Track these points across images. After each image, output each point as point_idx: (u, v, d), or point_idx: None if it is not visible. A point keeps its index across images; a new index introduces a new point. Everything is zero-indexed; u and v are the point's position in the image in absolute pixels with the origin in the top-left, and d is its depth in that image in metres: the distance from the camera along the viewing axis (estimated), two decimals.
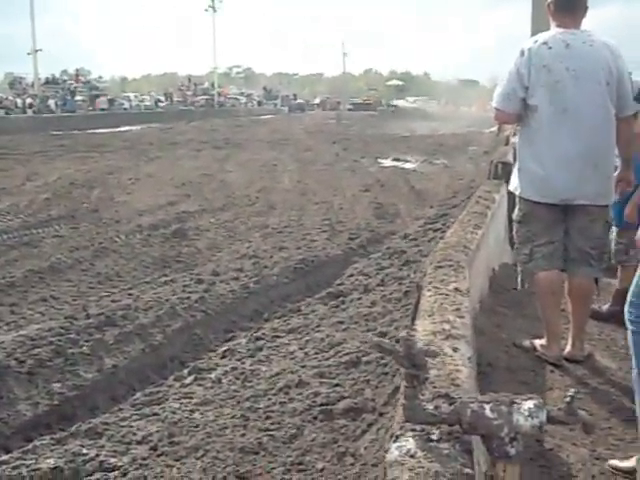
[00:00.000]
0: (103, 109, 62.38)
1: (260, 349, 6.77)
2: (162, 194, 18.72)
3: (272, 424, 4.73)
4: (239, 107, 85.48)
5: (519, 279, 6.06)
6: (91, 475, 4.52)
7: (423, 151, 31.59)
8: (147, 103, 75.88)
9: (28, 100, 57.48)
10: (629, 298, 3.84)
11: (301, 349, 6.36)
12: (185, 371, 6.73)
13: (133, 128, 48.85)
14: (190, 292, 9.49)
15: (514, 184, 5.98)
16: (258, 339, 7.15)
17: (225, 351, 7.11)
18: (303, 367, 5.73)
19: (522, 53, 5.58)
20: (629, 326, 3.82)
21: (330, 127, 53.03)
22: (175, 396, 5.87)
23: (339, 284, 8.75)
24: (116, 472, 4.47)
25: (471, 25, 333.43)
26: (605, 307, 6.86)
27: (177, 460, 4.43)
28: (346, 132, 45.73)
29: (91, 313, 8.41)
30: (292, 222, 15.05)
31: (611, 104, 5.45)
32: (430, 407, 2.40)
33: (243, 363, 6.39)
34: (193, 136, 39.86)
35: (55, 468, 4.68)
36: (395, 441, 2.40)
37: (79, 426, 5.47)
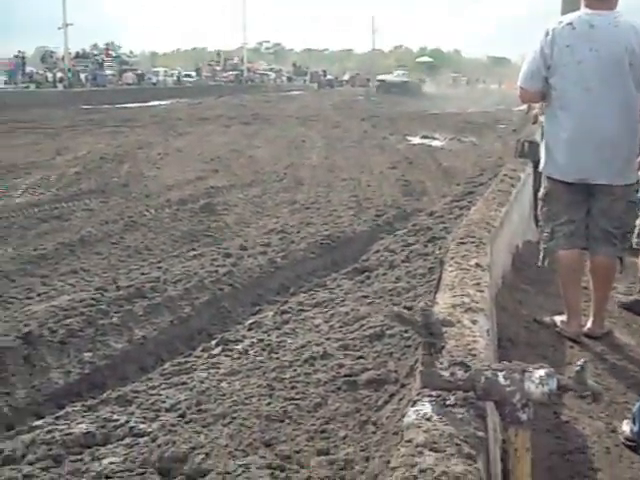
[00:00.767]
0: (129, 84, 62.55)
1: (286, 322, 6.86)
2: (191, 169, 18.82)
3: (297, 394, 4.84)
4: (268, 83, 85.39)
5: (541, 256, 6.13)
6: (122, 440, 4.67)
7: (452, 129, 31.41)
8: (175, 78, 76.06)
9: (59, 74, 57.78)
10: None
11: (326, 322, 6.46)
12: (213, 342, 6.85)
13: (162, 103, 49.00)
14: (218, 266, 9.61)
15: (541, 162, 6.06)
16: (284, 312, 7.24)
17: (252, 324, 7.21)
18: (328, 340, 5.83)
19: (547, 33, 5.64)
20: None
21: (359, 104, 52.89)
22: (203, 366, 5.98)
23: (365, 260, 8.82)
24: (146, 437, 4.61)
25: (501, 2, 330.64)
26: (630, 298, 6.82)
27: (205, 427, 4.54)
28: (375, 109, 45.57)
29: (121, 285, 8.55)
30: (319, 198, 15.12)
31: (634, 85, 5.48)
32: (446, 374, 2.52)
33: (269, 335, 6.49)
34: (222, 111, 39.83)
35: (87, 433, 4.83)
36: (413, 405, 2.53)
37: (109, 394, 5.62)
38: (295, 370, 5.28)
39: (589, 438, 4.17)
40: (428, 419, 2.42)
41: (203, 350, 6.65)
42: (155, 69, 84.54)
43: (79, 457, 4.51)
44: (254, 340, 6.43)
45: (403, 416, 3.27)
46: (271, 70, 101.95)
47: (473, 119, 37.90)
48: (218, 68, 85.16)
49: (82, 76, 58.39)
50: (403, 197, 15.49)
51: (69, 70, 57.98)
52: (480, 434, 2.37)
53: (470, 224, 5.79)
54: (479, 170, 15.26)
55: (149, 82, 68.10)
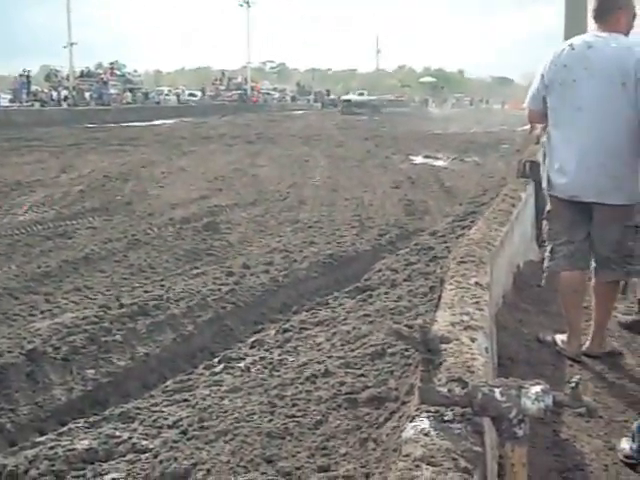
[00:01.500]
0: (129, 102, 62.79)
1: (288, 340, 6.91)
2: (194, 188, 18.86)
3: (298, 411, 4.87)
4: (271, 102, 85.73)
5: (543, 276, 6.18)
6: (124, 456, 4.71)
7: (455, 148, 31.42)
8: (178, 97, 76.39)
9: (63, 93, 58.00)
10: None
11: (328, 340, 6.49)
12: (215, 360, 6.89)
13: (166, 122, 49.14)
14: (221, 284, 9.65)
15: (543, 181, 6.13)
16: (286, 331, 7.28)
17: (254, 342, 7.27)
18: (329, 358, 5.86)
19: (551, 54, 5.74)
20: None
21: (362, 123, 52.98)
22: (205, 384, 6.03)
23: (367, 279, 8.85)
24: (148, 454, 4.65)
25: (504, 22, 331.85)
26: (630, 318, 6.85)
27: (206, 443, 4.58)
28: (378, 128, 45.66)
29: (124, 303, 8.59)
30: (322, 217, 15.15)
31: (629, 105, 5.49)
32: (444, 390, 2.57)
33: (271, 353, 6.54)
34: (226, 131, 39.96)
35: (89, 449, 4.87)
36: (411, 421, 2.57)
37: (112, 410, 5.67)
38: (296, 388, 5.31)
39: (587, 456, 4.20)
40: (426, 434, 2.46)
41: (205, 368, 6.70)
42: (159, 88, 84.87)
43: (81, 473, 4.56)
44: (256, 358, 6.47)
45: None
46: (275, 89, 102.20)
47: (476, 139, 37.95)
48: (222, 87, 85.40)
49: (86, 95, 58.59)
50: (406, 216, 15.52)
51: (73, 89, 58.20)
52: (477, 449, 2.41)
53: (470, 243, 5.83)
54: (482, 190, 15.28)
55: (153, 101, 68.35)
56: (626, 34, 5.64)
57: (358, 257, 11.77)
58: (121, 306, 8.47)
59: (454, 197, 17.96)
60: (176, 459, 4.37)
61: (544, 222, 6.18)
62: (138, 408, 5.63)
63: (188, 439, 4.72)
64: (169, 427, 5.08)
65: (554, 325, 6.31)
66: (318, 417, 4.73)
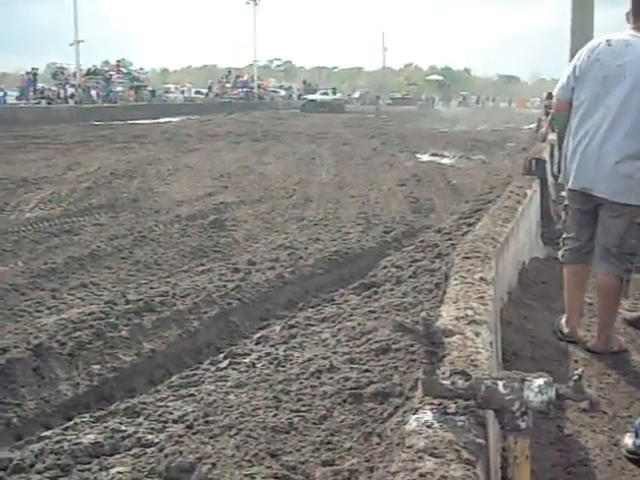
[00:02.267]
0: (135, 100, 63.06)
1: (293, 336, 6.92)
2: (200, 185, 18.89)
3: (303, 406, 4.89)
4: (278, 100, 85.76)
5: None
6: (129, 450, 4.73)
7: (461, 147, 31.39)
8: (185, 95, 76.53)
9: (70, 90, 58.02)
10: None
11: (333, 336, 6.50)
12: (220, 356, 6.91)
13: (173, 120, 49.18)
14: (226, 281, 9.65)
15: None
16: (292, 327, 7.30)
17: (259, 337, 7.29)
18: (334, 353, 5.87)
19: (586, 48, 5.75)
20: None
21: (369, 121, 52.99)
22: (210, 379, 6.05)
23: (372, 275, 8.85)
24: (153, 448, 4.67)
25: (510, 19, 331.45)
26: (635, 315, 6.84)
27: (212, 438, 4.60)
28: (384, 127, 45.65)
29: (130, 299, 8.59)
30: (328, 215, 15.15)
31: None
32: (447, 383, 2.58)
33: (277, 349, 6.55)
34: (232, 128, 39.98)
35: (95, 443, 4.89)
36: (415, 413, 2.58)
37: (118, 405, 5.69)
38: (301, 383, 5.32)
39: (592, 451, 4.21)
40: (429, 426, 2.47)
41: (211, 363, 6.72)
42: (166, 85, 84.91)
43: (87, 466, 4.59)
44: (261, 354, 6.49)
45: None
46: (281, 87, 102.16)
47: (482, 137, 37.92)
48: (228, 85, 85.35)
49: (93, 92, 58.63)
50: (411, 214, 15.52)
51: (80, 86, 58.23)
52: (479, 441, 2.42)
53: (475, 239, 5.84)
54: (488, 188, 15.25)
55: (159, 99, 68.43)
56: None
57: (363, 254, 11.76)
58: (127, 302, 8.47)
59: (460, 195, 17.96)
60: (181, 453, 4.39)
61: (563, 212, 6.28)
62: (144, 403, 5.66)
63: (193, 433, 4.73)
64: (174, 422, 5.10)
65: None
66: (323, 412, 4.74)
